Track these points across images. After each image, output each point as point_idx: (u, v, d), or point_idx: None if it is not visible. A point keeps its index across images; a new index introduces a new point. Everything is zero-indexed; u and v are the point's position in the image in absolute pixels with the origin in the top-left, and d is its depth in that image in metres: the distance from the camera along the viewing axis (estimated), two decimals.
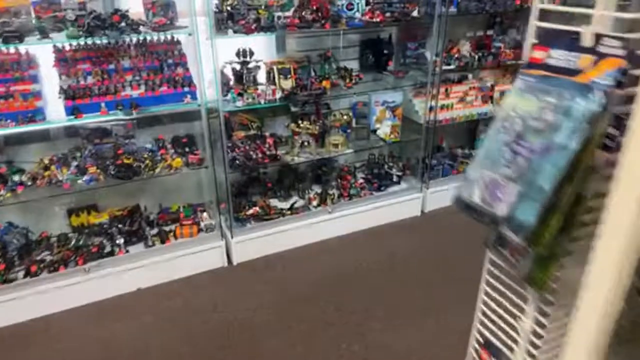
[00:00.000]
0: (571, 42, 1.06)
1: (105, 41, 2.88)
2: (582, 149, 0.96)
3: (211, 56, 2.90)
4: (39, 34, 2.58)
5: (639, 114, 0.73)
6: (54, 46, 2.81)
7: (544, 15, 1.16)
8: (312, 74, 3.58)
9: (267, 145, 3.42)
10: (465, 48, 4.09)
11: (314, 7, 3.16)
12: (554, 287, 1.16)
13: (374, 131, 3.87)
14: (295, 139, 3.52)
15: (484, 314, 1.47)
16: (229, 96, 3.14)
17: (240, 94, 3.14)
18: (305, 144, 3.48)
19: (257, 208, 3.53)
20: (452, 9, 3.60)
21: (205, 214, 3.42)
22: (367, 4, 3.37)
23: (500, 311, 1.40)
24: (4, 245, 2.98)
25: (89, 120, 2.83)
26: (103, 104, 2.79)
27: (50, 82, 2.83)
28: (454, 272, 3.32)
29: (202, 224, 3.34)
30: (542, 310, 1.22)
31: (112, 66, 2.92)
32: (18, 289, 2.82)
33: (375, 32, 3.82)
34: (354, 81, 3.55)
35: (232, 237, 3.35)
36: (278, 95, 3.21)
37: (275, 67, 3.32)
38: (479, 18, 4.27)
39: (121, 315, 2.94)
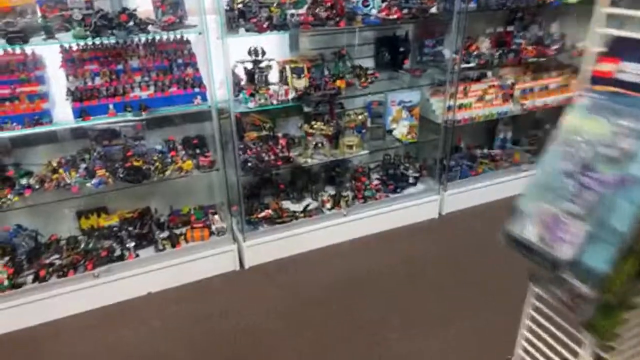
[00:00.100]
0: None
1: (113, 41, 2.80)
2: None
3: (222, 56, 2.81)
4: (45, 34, 2.51)
5: None
6: (61, 46, 2.74)
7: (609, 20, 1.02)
8: (326, 72, 3.46)
9: (279, 147, 3.32)
10: (485, 45, 3.94)
11: (328, 4, 3.04)
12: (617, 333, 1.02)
13: (390, 131, 3.75)
14: (309, 139, 3.42)
15: (526, 351, 1.32)
16: (241, 97, 3.04)
17: (252, 95, 3.04)
18: (319, 145, 3.38)
19: (270, 210, 3.45)
20: (472, 5, 3.45)
21: (216, 217, 3.34)
22: (384, 0, 3.24)
23: (545, 349, 1.25)
24: (13, 249, 2.95)
25: (97, 121, 2.76)
26: (111, 106, 2.72)
27: (57, 83, 2.77)
28: (472, 278, 3.21)
29: (213, 227, 3.26)
30: (600, 356, 1.08)
31: (120, 66, 2.84)
32: (27, 293, 2.77)
33: (392, 29, 3.69)
34: (369, 80, 3.43)
35: (244, 241, 3.27)
36: (291, 95, 3.11)
37: (287, 66, 3.21)
38: (498, 14, 4.12)
39: (130, 321, 2.88)
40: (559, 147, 0.93)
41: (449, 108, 3.73)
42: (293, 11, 2.98)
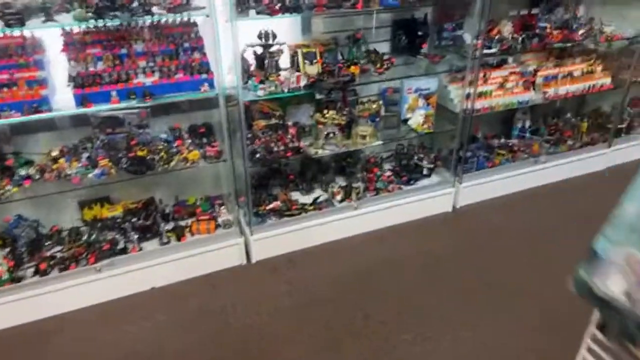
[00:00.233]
0: None
1: (117, 23, 2.63)
2: None
3: (230, 39, 2.64)
4: (44, 16, 2.36)
5: None
6: (63, 29, 2.59)
7: None
8: (339, 57, 3.29)
9: (289, 136, 3.17)
10: (507, 29, 3.71)
11: None
12: None
13: (405, 121, 3.58)
14: (320, 128, 3.26)
15: None
16: (249, 84, 2.88)
17: (261, 82, 2.88)
18: (331, 135, 3.22)
19: (278, 202, 3.32)
20: None
21: (223, 209, 3.22)
22: None
23: None
24: (14, 240, 2.85)
25: (100, 108, 2.62)
26: (114, 93, 2.57)
27: (57, 68, 2.62)
28: (490, 276, 3.09)
29: (219, 220, 3.14)
30: None
31: (124, 50, 2.68)
32: (27, 288, 2.68)
33: (410, 11, 3.49)
34: (385, 66, 3.24)
35: (251, 234, 3.15)
36: (303, 82, 2.94)
37: (299, 51, 3.04)
38: None
39: (134, 316, 2.79)
40: None
41: (468, 96, 3.55)
42: None
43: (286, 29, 3.10)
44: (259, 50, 2.96)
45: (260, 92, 2.85)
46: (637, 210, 0.75)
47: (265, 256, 3.24)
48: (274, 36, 2.92)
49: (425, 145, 3.99)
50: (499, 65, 3.93)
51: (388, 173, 3.72)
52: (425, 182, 3.74)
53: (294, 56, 3.06)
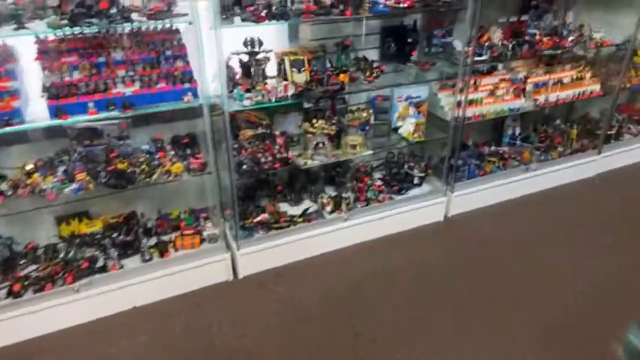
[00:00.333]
0: None
1: (95, 30, 2.50)
2: None
3: (215, 47, 2.52)
4: (15, 24, 2.22)
5: None
6: (37, 36, 2.44)
7: None
8: (328, 65, 3.19)
9: (277, 147, 3.06)
10: (497, 35, 3.67)
11: None
12: None
13: (396, 129, 3.50)
14: (309, 138, 3.15)
15: None
16: (235, 93, 2.77)
17: (247, 91, 2.77)
18: (320, 145, 3.12)
19: (266, 214, 3.20)
20: None
21: (208, 222, 3.09)
22: None
23: None
24: None
25: (76, 121, 2.48)
26: (92, 104, 2.44)
27: (31, 78, 2.48)
28: (484, 287, 3.04)
29: (205, 234, 3.02)
30: None
31: (102, 59, 2.55)
32: (1, 310, 2.52)
33: (398, 18, 3.41)
34: (375, 74, 3.15)
35: (238, 249, 3.03)
36: (290, 91, 2.84)
37: (287, 59, 2.94)
38: (511, 1, 3.85)
39: (115, 337, 2.64)
40: None
41: (459, 104, 3.48)
42: None
43: (273, 36, 2.99)
44: (245, 58, 2.85)
45: (247, 102, 2.74)
46: None
47: (252, 271, 3.12)
48: (261, 43, 2.82)
49: (416, 154, 3.92)
50: (489, 72, 3.87)
51: (379, 182, 3.63)
52: (416, 191, 3.66)
53: (281, 64, 2.96)
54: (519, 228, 3.67)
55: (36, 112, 2.43)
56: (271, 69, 2.95)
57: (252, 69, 2.86)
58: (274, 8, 2.63)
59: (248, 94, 2.74)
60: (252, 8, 2.59)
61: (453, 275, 3.15)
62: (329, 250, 3.33)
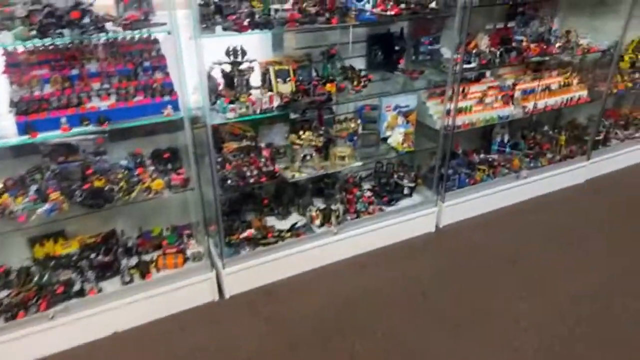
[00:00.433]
0: None
1: (68, 40, 2.36)
2: None
3: (195, 58, 2.40)
4: None
5: None
6: (4, 48, 2.29)
7: None
8: (314, 74, 3.09)
9: (263, 160, 2.94)
10: (484, 42, 3.61)
11: None
12: None
13: (385, 139, 3.41)
14: (296, 150, 3.05)
15: None
16: (218, 105, 2.65)
17: (231, 102, 2.65)
18: (308, 157, 3.01)
19: (252, 230, 3.08)
20: None
21: (192, 239, 2.96)
22: None
23: None
24: None
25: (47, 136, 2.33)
26: (64, 119, 2.29)
27: None
28: (478, 302, 2.94)
29: (188, 252, 2.88)
30: None
31: (75, 71, 2.41)
32: None
33: (385, 25, 3.33)
34: (362, 83, 3.06)
35: (223, 267, 2.89)
36: (276, 103, 2.73)
37: (271, 69, 2.83)
38: (497, 8, 3.80)
39: None
40: None
41: (448, 112, 3.40)
42: (277, 6, 2.60)
43: (256, 45, 2.88)
44: (228, 68, 2.74)
45: (230, 114, 2.62)
46: None
47: (239, 290, 2.99)
48: (244, 53, 2.71)
49: (405, 163, 3.83)
50: (477, 79, 3.82)
51: (368, 194, 3.53)
52: (406, 202, 3.57)
53: (265, 74, 2.86)
54: (510, 237, 3.60)
55: (3, 129, 2.27)
56: (255, 79, 2.84)
57: (235, 80, 2.74)
58: (257, 16, 2.52)
59: (232, 106, 2.63)
60: (234, 17, 2.48)
61: (446, 289, 3.05)
62: (319, 266, 3.22)
